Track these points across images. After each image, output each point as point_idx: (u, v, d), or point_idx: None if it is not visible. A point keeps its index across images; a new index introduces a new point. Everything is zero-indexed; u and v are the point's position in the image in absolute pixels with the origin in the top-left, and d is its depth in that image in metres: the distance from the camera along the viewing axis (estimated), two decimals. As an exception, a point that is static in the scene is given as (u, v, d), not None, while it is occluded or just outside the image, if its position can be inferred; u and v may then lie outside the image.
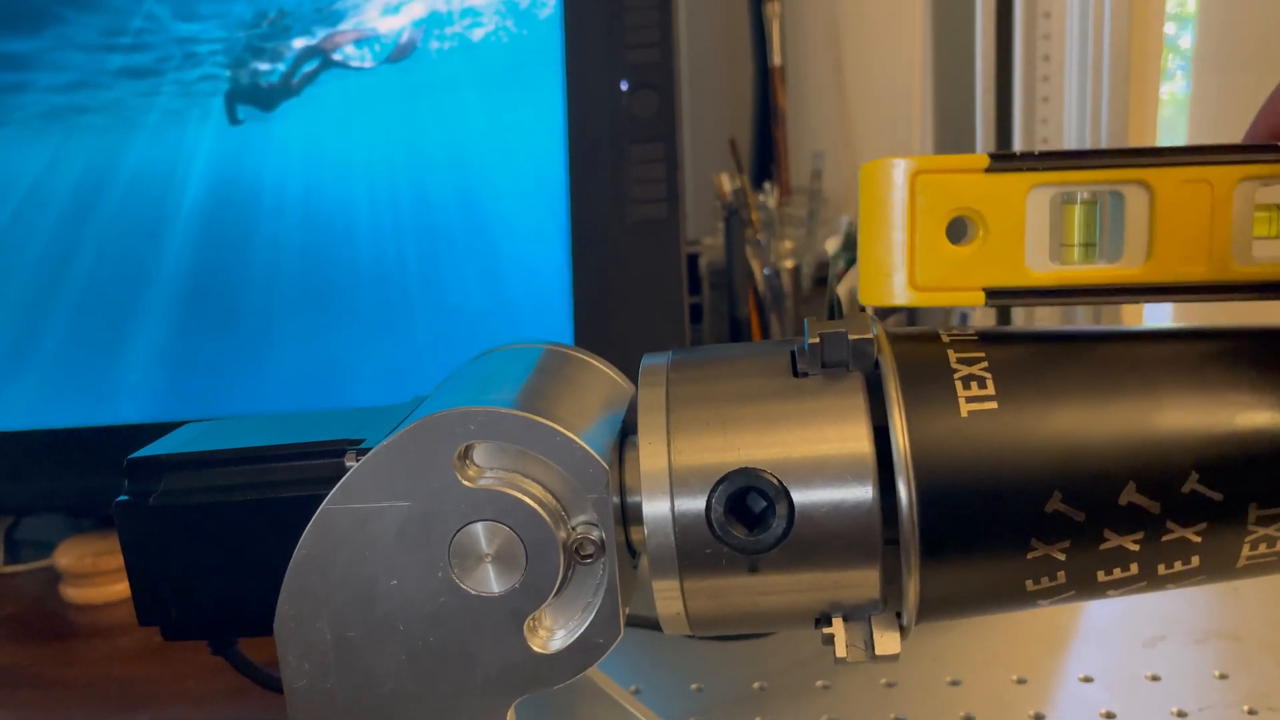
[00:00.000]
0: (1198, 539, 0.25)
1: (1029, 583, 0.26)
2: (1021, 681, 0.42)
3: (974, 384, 0.26)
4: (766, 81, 0.75)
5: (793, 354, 0.28)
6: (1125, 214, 0.27)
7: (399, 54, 0.62)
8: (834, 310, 0.60)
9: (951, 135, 0.69)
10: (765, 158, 0.76)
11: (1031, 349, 0.27)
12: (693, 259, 0.67)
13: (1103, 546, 0.25)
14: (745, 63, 0.79)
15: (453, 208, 0.61)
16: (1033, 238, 0.27)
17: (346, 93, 0.62)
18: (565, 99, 0.61)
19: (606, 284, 0.59)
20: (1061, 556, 0.26)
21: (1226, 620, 0.45)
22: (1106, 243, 0.27)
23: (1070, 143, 0.53)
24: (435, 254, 0.60)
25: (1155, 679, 0.41)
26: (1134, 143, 0.55)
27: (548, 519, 0.26)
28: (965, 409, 0.26)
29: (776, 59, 0.68)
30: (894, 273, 0.27)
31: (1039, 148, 0.53)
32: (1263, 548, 0.26)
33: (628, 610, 0.28)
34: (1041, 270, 0.27)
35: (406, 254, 0.61)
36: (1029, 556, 0.26)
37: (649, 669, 0.44)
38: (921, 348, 0.27)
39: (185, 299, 0.61)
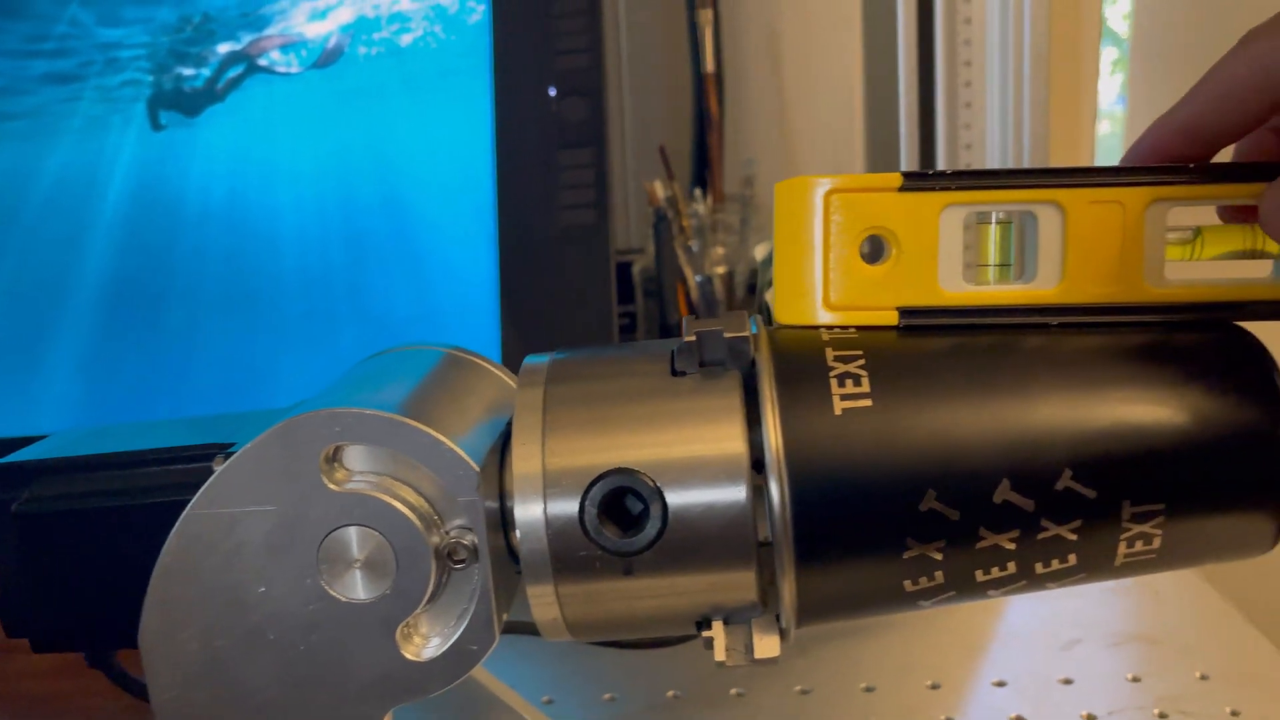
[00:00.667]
0: (1073, 537, 0.25)
1: (907, 583, 0.26)
2: (935, 687, 0.41)
3: (849, 381, 0.26)
4: (702, 88, 0.75)
5: (673, 353, 0.27)
6: (1038, 235, 0.27)
7: (326, 59, 0.62)
8: (765, 317, 0.60)
9: (886, 140, 0.69)
10: (703, 165, 0.76)
11: (910, 344, 0.27)
12: (626, 266, 0.67)
13: (979, 545, 0.25)
14: (684, 69, 0.78)
15: (379, 214, 0.60)
16: (946, 257, 0.27)
17: (272, 98, 0.62)
18: (494, 105, 0.60)
19: (535, 291, 0.58)
20: (938, 556, 0.25)
21: (1144, 623, 0.45)
22: (1021, 263, 0.27)
23: (992, 146, 0.53)
24: (361, 261, 0.60)
25: (1068, 682, 0.41)
26: (1057, 150, 0.56)
27: (418, 524, 0.26)
28: (840, 407, 0.25)
29: (709, 66, 0.68)
30: (808, 292, 0.27)
31: (962, 154, 0.53)
32: (1139, 545, 0.25)
33: (508, 617, 0.28)
34: (955, 290, 0.27)
35: (332, 261, 0.60)
36: (905, 556, 0.25)
37: (562, 679, 0.43)
38: (801, 345, 0.27)
39: (107, 307, 0.60)
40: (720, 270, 0.64)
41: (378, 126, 0.61)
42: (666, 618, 0.27)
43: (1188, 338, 0.26)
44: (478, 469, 0.26)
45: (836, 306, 0.27)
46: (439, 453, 0.26)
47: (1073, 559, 0.26)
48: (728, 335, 0.26)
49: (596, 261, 0.59)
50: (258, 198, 0.60)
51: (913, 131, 0.55)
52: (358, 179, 0.60)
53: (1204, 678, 0.41)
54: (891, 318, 0.27)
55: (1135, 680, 0.41)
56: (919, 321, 0.27)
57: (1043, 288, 0.27)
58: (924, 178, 0.26)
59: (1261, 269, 0.27)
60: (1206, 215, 0.27)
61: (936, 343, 0.27)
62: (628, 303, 0.67)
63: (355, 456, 0.27)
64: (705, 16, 0.67)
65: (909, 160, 0.55)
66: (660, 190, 0.64)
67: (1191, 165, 0.26)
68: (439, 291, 0.59)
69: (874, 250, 0.27)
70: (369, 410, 0.25)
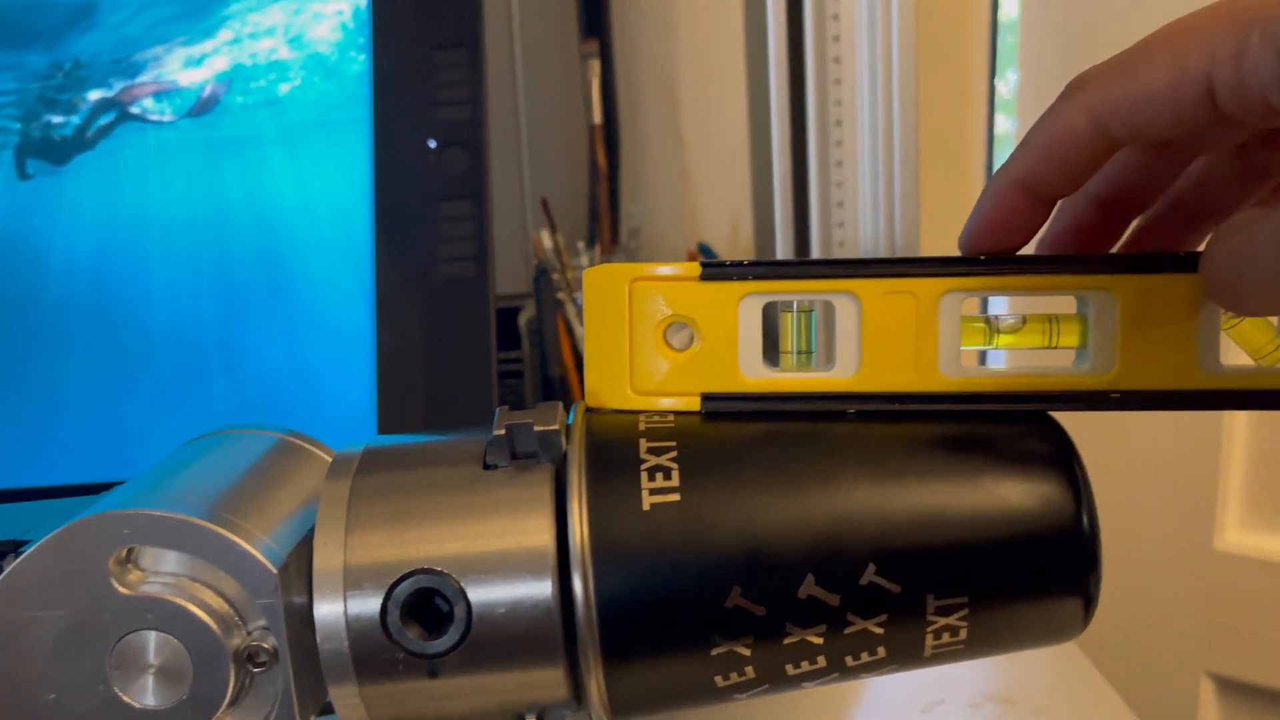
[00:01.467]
0: (880, 630, 0.25)
1: (718, 678, 0.25)
2: (797, 753, 0.41)
3: (659, 475, 0.25)
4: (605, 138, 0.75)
5: (486, 445, 0.27)
6: (836, 324, 0.27)
7: (201, 108, 0.61)
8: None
9: (768, 188, 0.70)
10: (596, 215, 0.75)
11: (724, 435, 0.27)
12: (513, 313, 0.66)
13: (786, 641, 0.25)
14: (582, 120, 0.79)
15: (254, 267, 0.59)
16: (746, 343, 0.27)
17: (144, 147, 0.60)
18: (373, 156, 0.60)
19: (412, 345, 0.58)
20: (746, 652, 0.25)
21: (1002, 684, 0.45)
22: (822, 351, 0.27)
23: (864, 203, 0.54)
24: (235, 315, 0.58)
25: (927, 746, 0.41)
26: (928, 218, 0.57)
27: (215, 628, 0.25)
28: (648, 501, 0.25)
29: (596, 117, 0.68)
30: (616, 378, 0.27)
31: (835, 211, 0.54)
32: (946, 637, 0.25)
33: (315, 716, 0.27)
34: (756, 377, 0.27)
35: (204, 316, 0.58)
36: (713, 653, 0.25)
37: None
38: (617, 435, 0.27)
39: (-34, 363, 0.58)
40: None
41: (253, 177, 0.60)
42: (477, 717, 0.26)
43: (992, 428, 0.26)
44: (275, 570, 0.25)
45: (643, 392, 0.27)
46: (235, 555, 0.25)
47: (882, 651, 0.26)
48: (538, 428, 0.26)
49: (476, 314, 0.58)
50: (127, 249, 0.59)
51: (786, 181, 0.56)
52: (232, 230, 0.59)
53: (1059, 738, 0.41)
54: (695, 404, 0.27)
55: (991, 742, 0.41)
56: (720, 407, 0.27)
57: (841, 375, 0.27)
58: (722, 266, 0.26)
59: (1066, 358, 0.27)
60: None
61: (748, 435, 0.26)
62: (513, 349, 0.67)
63: (151, 556, 0.26)
64: (593, 68, 0.67)
65: (783, 212, 0.56)
66: (546, 241, 0.64)
67: (983, 257, 0.26)
68: (313, 347, 0.58)
69: (684, 336, 0.27)
70: (160, 512, 0.25)
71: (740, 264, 0.26)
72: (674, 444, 0.26)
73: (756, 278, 0.26)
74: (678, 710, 0.27)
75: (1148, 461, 0.79)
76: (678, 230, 0.82)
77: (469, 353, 0.57)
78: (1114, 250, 0.29)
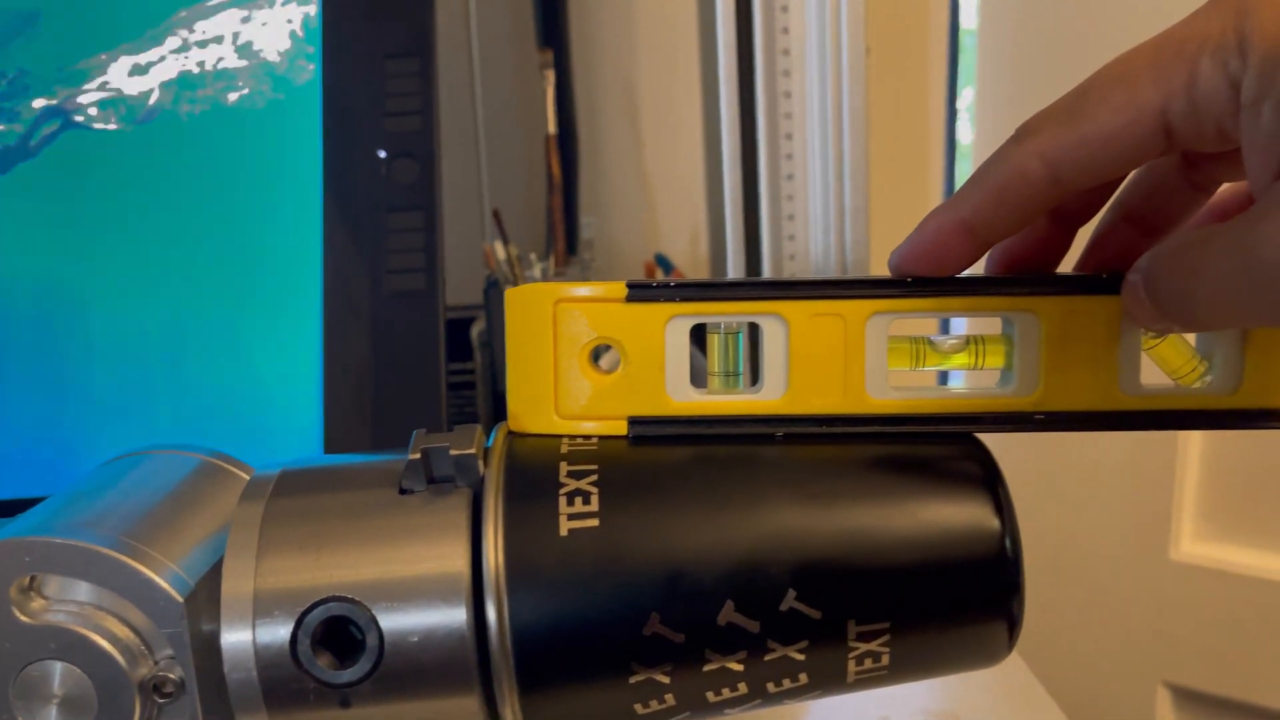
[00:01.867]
0: (801, 657, 0.25)
1: (638, 706, 0.25)
2: (740, 772, 0.41)
3: (578, 499, 0.25)
4: (562, 149, 0.74)
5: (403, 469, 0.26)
6: (763, 345, 0.26)
7: (146, 116, 0.60)
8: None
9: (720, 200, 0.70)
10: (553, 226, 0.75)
11: (647, 459, 0.26)
12: (466, 323, 0.65)
13: (706, 668, 0.25)
14: (541, 130, 0.78)
15: (199, 279, 0.58)
16: (673, 366, 0.27)
17: (89, 156, 0.59)
18: (323, 166, 0.59)
19: (360, 357, 0.57)
20: (665, 679, 0.25)
21: (949, 699, 0.45)
22: (749, 372, 0.27)
23: (815, 216, 0.54)
24: (178, 327, 0.57)
25: (870, 764, 0.41)
26: (884, 230, 0.56)
27: (119, 657, 0.24)
28: (566, 527, 0.25)
29: (551, 128, 0.67)
30: (541, 401, 0.27)
31: (786, 224, 0.54)
32: (868, 663, 0.25)
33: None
34: (683, 400, 0.27)
35: (148, 328, 0.57)
36: (631, 681, 0.25)
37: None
38: (538, 459, 0.26)
39: (-97, 376, 0.57)
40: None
41: (200, 187, 0.59)
42: (393, 747, 0.26)
43: (918, 452, 0.26)
44: (181, 599, 0.24)
45: (568, 415, 0.27)
46: (139, 583, 0.24)
47: (803, 678, 0.25)
48: (454, 452, 0.25)
49: (425, 326, 0.57)
50: (69, 259, 0.58)
51: (736, 194, 0.55)
52: (176, 242, 0.58)
53: (1003, 755, 0.41)
54: (622, 427, 0.26)
55: (934, 760, 0.41)
56: (647, 431, 0.26)
57: (769, 398, 0.26)
58: (649, 288, 0.26)
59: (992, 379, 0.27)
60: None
61: (672, 459, 0.26)
62: (466, 360, 0.66)
63: (57, 584, 0.25)
64: (548, 78, 0.67)
65: (734, 224, 0.56)
66: (500, 253, 0.63)
67: (910, 279, 0.26)
68: (260, 360, 0.57)
69: (613, 363, 0.27)
70: (62, 540, 0.24)
71: (667, 285, 0.26)
72: (595, 467, 0.26)
73: (683, 299, 0.26)
74: (598, 738, 0.27)
75: (1104, 473, 0.80)
76: (636, 241, 0.81)
77: (419, 365, 0.57)
78: (1062, 265, 0.28)
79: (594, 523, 0.25)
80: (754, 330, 0.27)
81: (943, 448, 0.26)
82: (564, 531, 0.25)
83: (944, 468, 0.26)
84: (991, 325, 0.27)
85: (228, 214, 0.58)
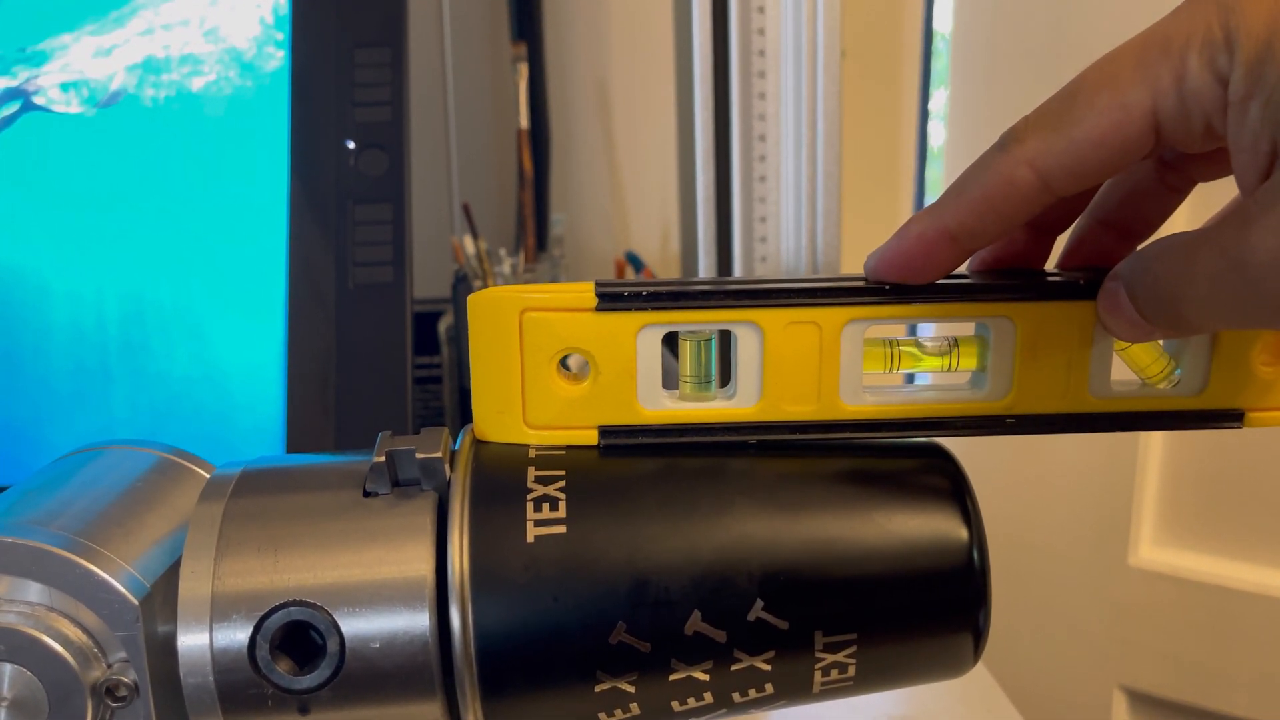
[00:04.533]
0: (768, 667, 0.25)
1: (602, 715, 0.25)
2: (701, 777, 0.41)
3: (545, 505, 0.25)
4: (533, 144, 0.74)
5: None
6: (737, 353, 0.26)
7: (110, 100, 0.58)
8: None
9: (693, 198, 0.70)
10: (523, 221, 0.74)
11: (615, 467, 0.26)
12: (433, 317, 0.65)
13: (672, 677, 0.24)
14: (512, 125, 0.77)
15: (160, 267, 0.57)
16: (645, 375, 0.26)
17: (48, 139, 0.58)
18: (290, 155, 0.58)
19: (325, 350, 0.56)
20: (631, 689, 0.24)
21: (911, 703, 0.45)
22: (722, 380, 0.27)
23: (787, 218, 0.53)
24: (139, 315, 0.56)
25: (831, 769, 0.41)
26: (855, 232, 0.57)
27: (71, 660, 0.24)
28: (532, 533, 0.24)
29: (523, 122, 0.67)
30: (508, 410, 0.26)
31: (758, 226, 0.54)
32: (835, 674, 0.25)
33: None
34: (655, 408, 0.26)
35: (106, 316, 0.56)
36: (596, 689, 0.24)
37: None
38: (505, 463, 0.26)
39: None
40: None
41: (164, 172, 0.58)
42: (352, 754, 0.25)
43: (887, 463, 0.26)
44: (136, 601, 0.24)
45: (536, 426, 0.26)
46: (92, 585, 0.23)
47: (770, 688, 0.25)
48: (420, 455, 0.25)
49: (392, 320, 0.57)
50: (26, 244, 0.56)
51: (709, 195, 0.55)
52: (138, 228, 0.57)
53: (962, 761, 0.41)
54: (592, 437, 0.26)
55: (895, 766, 0.41)
56: (618, 441, 0.26)
57: (742, 405, 0.26)
58: (620, 297, 0.25)
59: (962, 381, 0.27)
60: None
61: (641, 466, 0.26)
62: (433, 354, 0.66)
63: (7, 584, 0.24)
64: (521, 71, 0.66)
65: (706, 225, 0.55)
66: (469, 247, 0.63)
67: (888, 285, 0.25)
68: (221, 350, 0.56)
69: (582, 365, 0.26)
70: (12, 539, 0.23)
71: (639, 294, 0.25)
72: (563, 473, 0.25)
73: (655, 308, 0.25)
74: (561, 747, 0.27)
75: (1064, 477, 0.80)
76: (607, 238, 0.81)
77: (384, 359, 0.56)
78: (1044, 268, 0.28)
79: (561, 529, 0.24)
80: (725, 335, 0.27)
81: (912, 459, 0.26)
82: (530, 538, 0.24)
83: (912, 479, 0.26)
84: (965, 327, 0.27)
85: (191, 202, 0.57)
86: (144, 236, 0.57)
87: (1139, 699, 0.82)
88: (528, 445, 0.26)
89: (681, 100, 0.64)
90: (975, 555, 0.25)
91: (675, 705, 0.25)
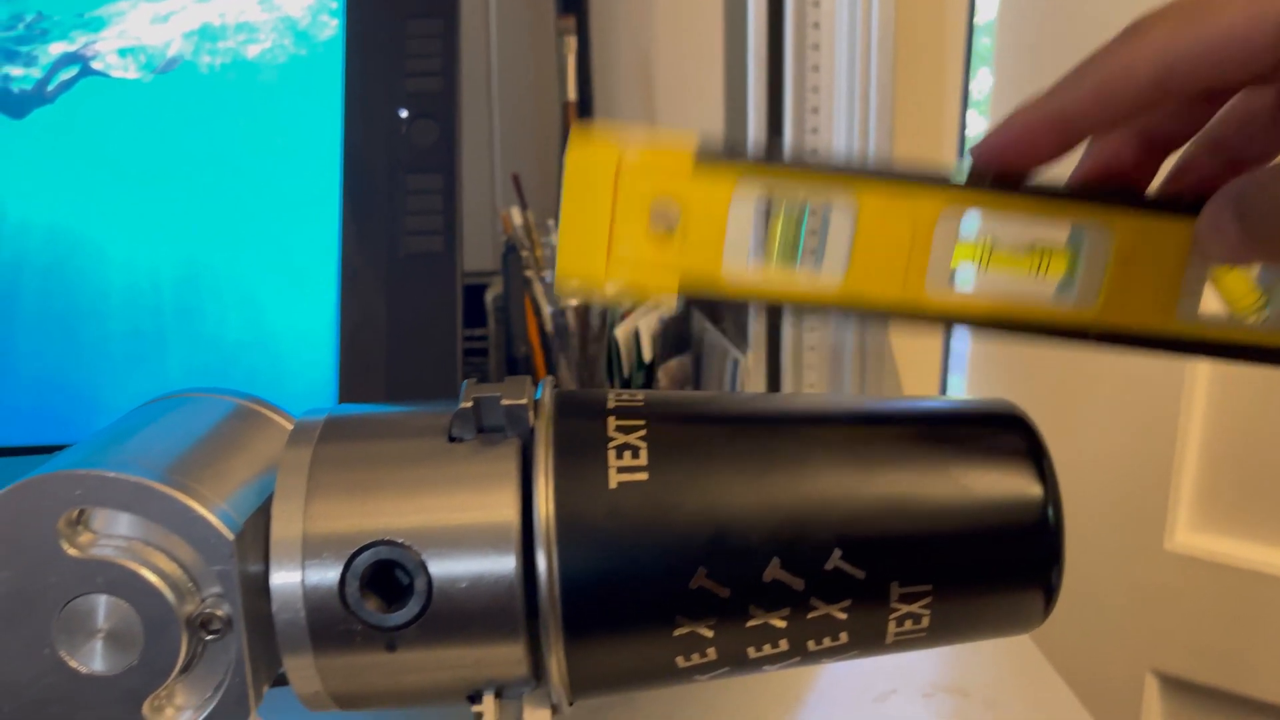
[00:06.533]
0: (843, 616, 0.25)
1: (679, 659, 0.25)
2: (751, 738, 0.41)
3: (627, 453, 0.25)
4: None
5: (452, 417, 0.26)
6: (829, 227, 0.25)
7: (167, 66, 0.59)
8: (612, 352, 0.60)
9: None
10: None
11: (694, 416, 0.26)
12: (480, 289, 0.65)
13: (749, 623, 0.25)
14: (555, 96, 0.78)
15: (216, 231, 0.57)
16: (733, 240, 0.25)
17: (106, 104, 0.58)
18: (343, 124, 0.58)
19: (376, 318, 0.57)
20: (709, 633, 0.25)
21: (956, 675, 0.45)
22: (810, 253, 0.26)
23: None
24: (193, 280, 0.57)
25: (879, 735, 0.42)
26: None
27: (168, 593, 0.24)
28: (615, 480, 0.25)
29: (571, 94, 0.67)
30: (590, 251, 0.25)
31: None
32: (909, 624, 0.25)
33: (268, 688, 0.26)
34: (739, 272, 0.26)
35: (162, 280, 0.57)
36: (675, 633, 0.25)
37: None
38: (584, 414, 0.26)
39: (-88, 319, 0.56)
40: (574, 302, 0.63)
41: (218, 139, 0.58)
42: (435, 692, 0.26)
43: (958, 422, 0.26)
44: (231, 536, 0.24)
45: (619, 266, 0.25)
46: (190, 519, 0.24)
47: (844, 637, 0.25)
48: (505, 402, 0.25)
49: (443, 290, 0.57)
50: (84, 208, 0.57)
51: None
52: (194, 193, 0.58)
53: (1010, 729, 0.41)
54: (672, 287, 0.25)
55: (943, 732, 0.42)
56: (697, 295, 0.26)
57: (826, 281, 0.26)
58: (719, 155, 0.25)
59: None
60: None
61: (719, 416, 0.26)
62: (479, 326, 0.66)
63: (104, 518, 0.25)
64: (569, 44, 0.67)
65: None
66: (517, 218, 0.63)
67: (990, 179, 0.25)
68: (274, 316, 0.57)
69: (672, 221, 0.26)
70: (112, 473, 0.24)
71: (740, 152, 0.25)
72: (643, 424, 0.26)
73: (753, 170, 0.25)
74: (637, 689, 0.27)
75: (1100, 461, 0.80)
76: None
77: (435, 327, 0.57)
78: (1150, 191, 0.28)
79: (643, 476, 0.25)
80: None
81: (986, 419, 0.26)
82: (613, 484, 0.25)
83: (989, 438, 0.26)
84: (1058, 236, 0.26)
85: (245, 168, 0.58)
86: (198, 202, 0.58)
87: (1171, 683, 0.82)
88: (607, 396, 0.27)
89: (731, 73, 0.64)
90: (1051, 514, 0.25)
91: (751, 651, 0.25)
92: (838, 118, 0.52)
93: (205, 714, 0.25)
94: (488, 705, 0.26)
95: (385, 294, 0.57)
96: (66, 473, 0.24)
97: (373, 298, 0.57)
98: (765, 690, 0.44)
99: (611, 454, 0.25)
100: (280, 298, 0.57)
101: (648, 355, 0.61)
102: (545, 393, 0.27)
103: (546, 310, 0.62)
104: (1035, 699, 0.44)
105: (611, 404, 0.26)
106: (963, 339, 0.98)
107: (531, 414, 0.26)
